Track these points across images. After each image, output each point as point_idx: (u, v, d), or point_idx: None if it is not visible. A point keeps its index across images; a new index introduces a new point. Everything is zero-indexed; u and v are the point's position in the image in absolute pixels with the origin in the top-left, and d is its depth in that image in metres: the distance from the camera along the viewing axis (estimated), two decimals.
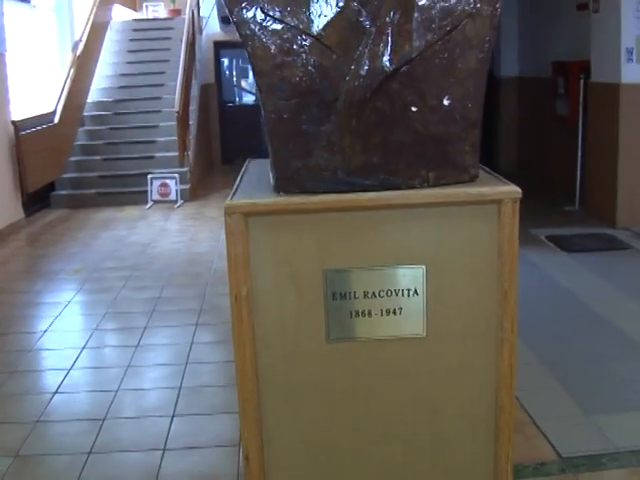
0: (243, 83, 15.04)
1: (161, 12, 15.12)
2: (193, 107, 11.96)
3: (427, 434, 1.90)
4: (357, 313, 1.81)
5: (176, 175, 10.11)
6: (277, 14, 1.72)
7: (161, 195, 10.11)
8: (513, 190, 1.79)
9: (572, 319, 5.21)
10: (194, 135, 11.70)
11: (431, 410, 1.88)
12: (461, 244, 1.79)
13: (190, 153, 10.97)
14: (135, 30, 13.70)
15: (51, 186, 10.43)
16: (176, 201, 10.00)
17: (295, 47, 1.71)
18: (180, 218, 9.24)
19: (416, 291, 1.80)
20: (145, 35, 13.44)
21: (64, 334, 5.34)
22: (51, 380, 4.50)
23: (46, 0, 11.50)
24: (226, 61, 14.83)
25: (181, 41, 11.97)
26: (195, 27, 12.89)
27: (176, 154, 10.52)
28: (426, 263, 1.79)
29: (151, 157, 10.92)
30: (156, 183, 10.12)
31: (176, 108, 10.40)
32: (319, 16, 1.70)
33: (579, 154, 8.73)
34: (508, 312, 1.79)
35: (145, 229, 8.76)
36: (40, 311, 5.89)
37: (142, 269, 6.97)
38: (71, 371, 4.59)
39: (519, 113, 11.62)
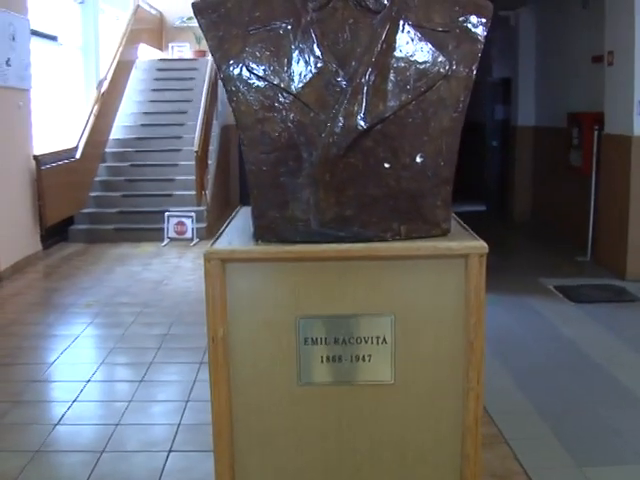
0: None
1: (186, 52, 15.39)
2: (213, 147, 12.14)
3: (396, 477, 1.95)
4: (328, 358, 1.88)
5: (193, 214, 10.23)
6: (260, 72, 1.83)
7: (177, 233, 10.23)
8: (480, 245, 1.86)
9: (572, 369, 5.23)
10: (213, 174, 11.86)
11: (399, 455, 1.94)
12: (429, 295, 1.87)
13: (208, 192, 11.12)
14: (160, 70, 13.96)
15: (70, 220, 10.60)
16: (192, 239, 10.12)
17: (276, 104, 1.81)
18: (195, 256, 9.34)
19: (385, 339, 1.87)
20: (169, 75, 13.71)
21: (71, 366, 5.43)
22: (54, 411, 4.58)
23: (73, 38, 11.77)
24: None
25: (204, 82, 12.18)
26: None
27: (194, 193, 10.65)
28: (395, 313, 1.86)
29: (169, 195, 11.08)
30: (173, 221, 10.25)
31: (195, 147, 10.56)
32: (299, 75, 1.80)
33: (591, 205, 8.78)
34: (474, 363, 1.86)
35: (159, 266, 8.87)
36: (50, 343, 5.99)
37: (153, 305, 7.06)
38: (75, 403, 4.67)
39: (534, 162, 11.70)
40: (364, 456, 1.93)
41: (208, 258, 1.85)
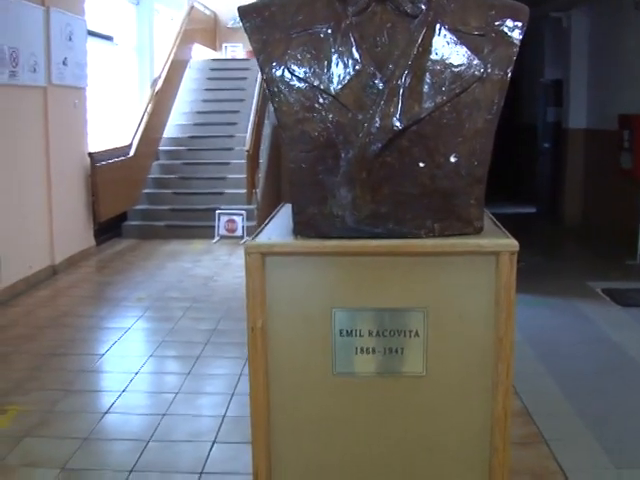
0: None
1: (239, 53, 15.56)
2: (264, 146, 12.23)
3: (424, 468, 2.02)
4: (362, 350, 1.95)
5: (243, 212, 10.37)
6: (301, 74, 1.91)
7: (228, 231, 10.38)
8: (511, 243, 1.92)
9: (616, 373, 5.22)
10: (264, 173, 11.96)
11: (429, 445, 2.00)
12: (461, 291, 1.93)
13: (258, 191, 11.23)
14: (213, 69, 14.14)
15: (123, 216, 10.81)
16: (242, 237, 10.25)
17: (315, 104, 1.89)
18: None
19: (417, 332, 1.94)
20: (222, 75, 13.87)
21: (122, 358, 5.58)
22: (104, 400, 4.73)
23: (129, 38, 11.99)
24: None
25: (256, 81, 12.31)
26: None
27: (245, 191, 10.78)
28: (427, 307, 1.93)
29: (221, 193, 11.23)
30: (224, 219, 10.40)
31: (246, 147, 10.68)
32: (338, 77, 1.87)
33: None
34: (503, 357, 1.91)
35: (209, 263, 9.02)
36: (102, 335, 6.16)
37: (202, 301, 7.20)
38: (124, 393, 4.81)
39: (585, 165, 11.61)
40: (395, 445, 2.00)
41: (248, 252, 1.94)
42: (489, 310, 1.91)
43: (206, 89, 13.55)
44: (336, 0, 1.95)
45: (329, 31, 1.92)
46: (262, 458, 1.99)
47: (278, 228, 2.13)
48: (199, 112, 12.99)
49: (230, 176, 11.51)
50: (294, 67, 1.91)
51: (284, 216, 2.23)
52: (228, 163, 11.75)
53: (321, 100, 1.89)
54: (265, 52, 1.99)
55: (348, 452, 2.00)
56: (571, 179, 11.81)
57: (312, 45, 1.92)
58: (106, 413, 4.49)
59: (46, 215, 8.24)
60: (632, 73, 9.59)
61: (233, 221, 10.41)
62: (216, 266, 8.83)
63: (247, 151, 10.61)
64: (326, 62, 1.89)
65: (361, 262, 1.93)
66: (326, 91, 1.88)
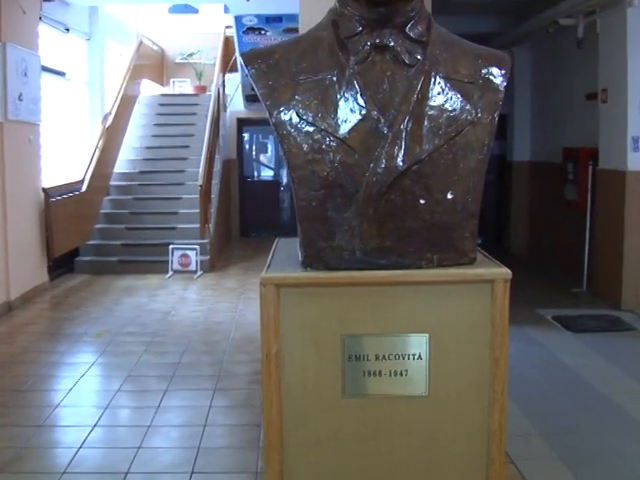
0: (262, 158, 15.49)
1: (187, 88, 15.68)
2: (215, 181, 12.37)
3: None
4: (369, 373, 2.10)
5: (197, 246, 10.44)
6: (310, 118, 2.07)
7: (181, 265, 10.43)
8: (504, 272, 2.10)
9: (573, 395, 5.44)
10: (215, 208, 12.08)
11: (431, 459, 2.15)
12: (459, 316, 2.10)
13: (211, 225, 11.34)
14: (162, 105, 14.23)
15: (75, 252, 10.80)
16: (196, 271, 10.32)
17: (324, 146, 2.05)
18: (199, 288, 9.55)
19: (420, 356, 2.10)
20: (171, 110, 13.98)
21: (88, 393, 5.62)
22: (77, 435, 4.75)
23: (80, 73, 12.05)
24: (246, 136, 15.27)
25: (206, 117, 12.44)
26: (220, 104, 13.39)
27: (197, 226, 10.86)
28: (429, 332, 2.09)
29: (173, 228, 11.30)
30: (177, 253, 10.45)
31: (200, 182, 10.79)
32: (345, 121, 2.04)
33: (587, 238, 9.03)
34: (499, 376, 2.08)
35: (165, 297, 9.07)
36: (65, 371, 6.17)
37: (162, 335, 7.25)
38: (95, 428, 4.85)
39: (530, 197, 11.98)
40: (400, 460, 2.14)
41: (264, 283, 2.08)
42: (485, 333, 2.08)
43: (156, 124, 13.63)
44: (338, 50, 2.11)
45: (334, 78, 2.08)
46: (275, 477, 2.11)
47: (285, 261, 2.27)
48: (149, 147, 13.06)
49: (182, 211, 11.59)
50: (302, 111, 2.07)
51: (285, 250, 2.37)
52: (180, 198, 11.83)
53: (329, 142, 2.05)
54: (272, 97, 2.14)
55: (357, 469, 2.13)
56: (516, 210, 12.17)
57: (318, 91, 2.08)
58: (80, 447, 4.53)
59: (1, 251, 8.23)
60: (574, 107, 9.97)
61: (187, 256, 10.47)
62: (172, 300, 8.88)
63: (200, 186, 10.72)
64: (332, 107, 2.05)
65: (368, 291, 2.08)
66: (334, 134, 2.04)
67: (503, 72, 2.20)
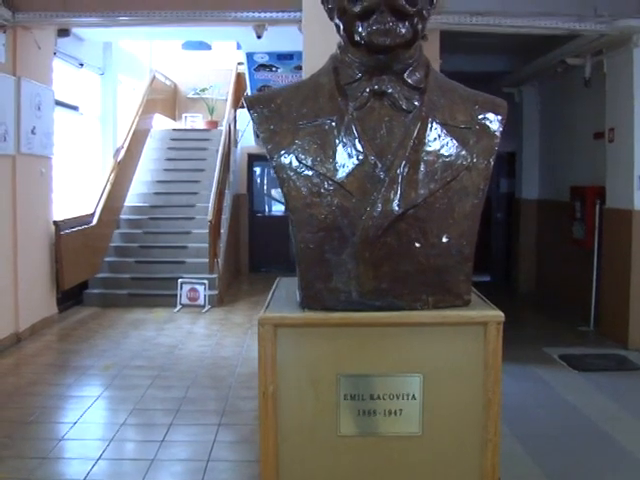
0: (273, 193, 15.56)
1: (199, 123, 15.82)
2: (225, 216, 12.44)
3: None
4: (364, 412, 2.14)
5: (205, 281, 10.49)
6: (309, 162, 2.13)
7: (190, 299, 10.48)
8: (497, 314, 2.14)
9: (577, 435, 5.43)
10: (224, 243, 12.14)
11: None
12: (454, 357, 2.13)
13: (220, 260, 11.39)
14: (173, 139, 14.36)
15: (84, 284, 10.87)
16: (204, 306, 10.36)
17: (322, 190, 2.11)
18: (207, 323, 9.58)
19: (414, 396, 2.13)
20: (183, 144, 14.10)
21: (93, 426, 5.64)
22: (82, 468, 4.77)
23: (93, 107, 12.20)
24: (257, 171, 15.35)
25: (217, 152, 12.55)
26: (231, 139, 13.50)
27: (206, 260, 10.91)
28: (423, 373, 2.13)
29: (182, 262, 11.36)
30: (186, 287, 10.51)
31: (209, 217, 10.87)
32: (343, 166, 2.10)
33: (594, 276, 9.04)
34: (492, 417, 2.11)
35: (173, 331, 9.10)
36: (71, 403, 6.20)
37: (169, 369, 7.28)
38: (99, 461, 4.88)
39: (538, 234, 12.00)
40: None
41: (262, 323, 2.13)
42: (479, 374, 2.12)
43: (167, 159, 13.76)
44: (338, 96, 2.18)
45: (333, 124, 2.14)
46: None
47: (283, 301, 2.32)
48: (160, 181, 13.17)
49: (191, 245, 11.66)
50: (302, 156, 2.13)
51: (285, 290, 2.42)
52: (189, 232, 11.91)
53: (327, 186, 2.10)
54: (273, 141, 2.21)
55: None
56: (524, 248, 12.18)
57: (318, 136, 2.14)
58: None
59: (11, 282, 8.30)
60: (581, 146, 10.03)
61: (195, 290, 10.52)
62: (180, 335, 8.92)
63: (210, 221, 10.79)
64: (331, 152, 2.11)
65: (363, 332, 2.13)
66: (332, 178, 2.10)
67: (499, 118, 2.25)
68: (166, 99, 15.86)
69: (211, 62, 16.21)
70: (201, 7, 7.99)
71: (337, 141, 2.12)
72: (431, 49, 7.81)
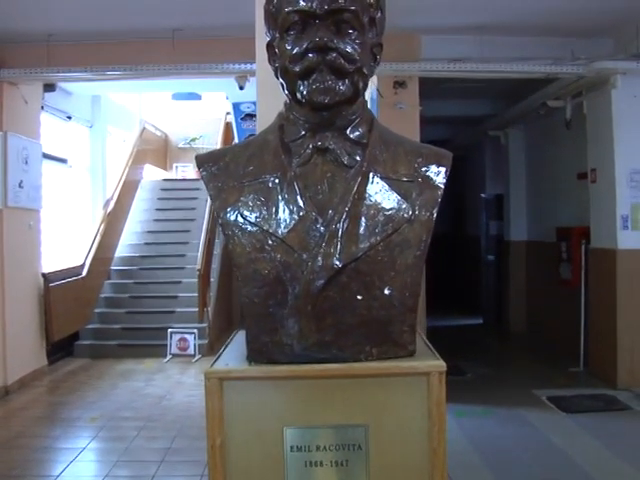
0: None
1: (190, 173, 15.94)
2: (215, 265, 12.48)
3: None
4: (311, 463, 2.16)
5: (195, 330, 10.51)
6: (252, 219, 2.18)
7: (180, 349, 10.49)
8: (439, 364, 2.17)
9: (562, 479, 5.44)
10: (215, 292, 12.17)
11: None
12: (398, 408, 2.16)
13: (210, 309, 11.41)
14: (164, 189, 14.47)
15: (75, 335, 10.88)
16: (194, 355, 10.36)
17: (266, 246, 2.15)
18: (197, 372, 9.58)
19: (360, 446, 2.16)
20: (173, 194, 14.22)
21: (76, 479, 5.63)
22: None
23: (82, 159, 12.31)
24: None
25: (206, 201, 12.62)
26: None
27: (196, 310, 10.94)
28: (368, 423, 2.15)
29: (172, 312, 11.39)
30: (175, 337, 10.52)
31: (198, 266, 10.92)
32: (285, 222, 2.14)
33: (582, 316, 9.08)
34: (437, 466, 2.14)
35: (162, 381, 9.11)
36: (56, 456, 6.21)
37: (156, 420, 7.29)
38: None
39: (528, 276, 12.05)
40: None
41: (208, 377, 2.16)
42: (423, 424, 2.15)
43: (157, 209, 13.86)
44: (282, 153, 2.24)
45: (276, 181, 2.20)
46: None
47: (234, 354, 2.36)
48: (150, 231, 13.26)
49: (181, 295, 11.69)
50: (246, 213, 2.19)
51: (238, 343, 2.46)
52: (180, 282, 11.95)
53: (270, 242, 2.15)
54: (220, 198, 2.26)
55: None
56: (515, 289, 12.23)
57: (262, 193, 2.20)
58: None
59: None
60: (566, 187, 10.13)
61: (185, 339, 10.53)
62: (169, 385, 8.92)
63: (198, 270, 10.84)
64: (274, 208, 2.17)
65: (308, 384, 2.16)
66: (274, 234, 2.15)
67: (443, 169, 2.30)
68: (157, 149, 16.01)
69: (201, 112, 16.39)
70: (185, 60, 8.13)
71: (280, 197, 2.17)
72: (411, 96, 7.95)
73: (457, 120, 13.11)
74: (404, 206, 2.19)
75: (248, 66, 7.93)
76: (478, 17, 7.59)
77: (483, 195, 14.00)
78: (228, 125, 14.59)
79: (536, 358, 10.18)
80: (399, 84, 7.85)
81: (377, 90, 7.70)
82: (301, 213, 2.14)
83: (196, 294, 11.00)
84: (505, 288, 12.55)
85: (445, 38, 8.08)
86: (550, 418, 7.09)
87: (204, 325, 10.94)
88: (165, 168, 16.43)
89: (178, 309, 11.47)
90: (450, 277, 16.01)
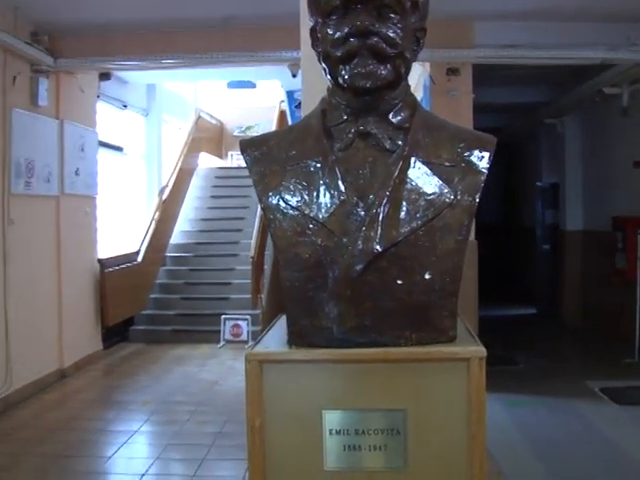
0: None
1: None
2: (269, 252, 12.54)
3: None
4: (349, 447, 2.17)
5: (248, 317, 10.59)
6: (294, 203, 2.19)
7: (233, 335, 10.58)
8: (480, 350, 2.16)
9: (616, 472, 5.37)
10: (268, 279, 12.22)
11: None
12: (437, 393, 2.16)
13: (263, 296, 11.47)
14: (218, 177, 14.57)
15: (130, 320, 11.05)
16: (247, 342, 10.45)
17: (306, 230, 2.16)
18: None
19: (398, 431, 2.16)
20: (228, 182, 14.29)
21: (128, 460, 5.75)
22: None
23: (137, 148, 12.46)
24: None
25: None
26: None
27: (250, 296, 11.02)
28: (407, 408, 2.15)
29: (226, 298, 11.49)
30: (229, 324, 10.61)
31: (251, 253, 10.99)
32: (325, 206, 2.15)
33: (637, 306, 8.93)
34: (476, 453, 2.12)
35: (215, 367, 9.22)
36: (109, 438, 6.34)
37: (207, 404, 7.38)
38: None
39: (583, 266, 11.89)
40: None
41: (248, 359, 2.19)
42: (462, 410, 2.14)
43: (212, 196, 13.97)
44: (324, 137, 2.24)
45: (318, 165, 2.20)
46: None
47: (275, 337, 2.38)
48: (205, 219, 13.37)
49: (235, 281, 11.79)
50: (287, 197, 2.20)
51: (280, 327, 2.48)
52: (233, 269, 12.05)
53: (311, 226, 2.16)
54: (262, 183, 2.28)
55: None
56: (569, 280, 12.06)
57: (303, 177, 2.21)
58: None
59: (56, 320, 8.50)
60: (622, 176, 9.96)
61: (238, 326, 10.62)
62: (221, 370, 9.02)
63: (252, 257, 10.91)
64: (315, 192, 2.17)
65: (347, 369, 2.16)
66: (315, 218, 2.15)
67: (486, 154, 2.28)
68: (212, 137, 16.12)
69: (256, 100, 16.45)
70: (237, 49, 8.16)
71: (321, 182, 2.18)
72: (464, 83, 7.88)
73: (510, 107, 12.95)
74: (446, 191, 2.18)
75: (300, 54, 7.92)
76: (531, 2, 7.47)
77: (539, 184, 13.84)
78: (282, 113, 14.64)
79: (589, 349, 10.06)
80: (452, 71, 7.78)
81: (430, 77, 7.67)
82: (342, 197, 2.15)
83: (249, 281, 11.06)
84: (560, 278, 12.40)
85: (498, 25, 7.97)
86: (603, 410, 7.01)
87: (257, 312, 11.00)
88: (220, 156, 16.54)
89: (232, 295, 11.57)
90: (505, 267, 15.88)
